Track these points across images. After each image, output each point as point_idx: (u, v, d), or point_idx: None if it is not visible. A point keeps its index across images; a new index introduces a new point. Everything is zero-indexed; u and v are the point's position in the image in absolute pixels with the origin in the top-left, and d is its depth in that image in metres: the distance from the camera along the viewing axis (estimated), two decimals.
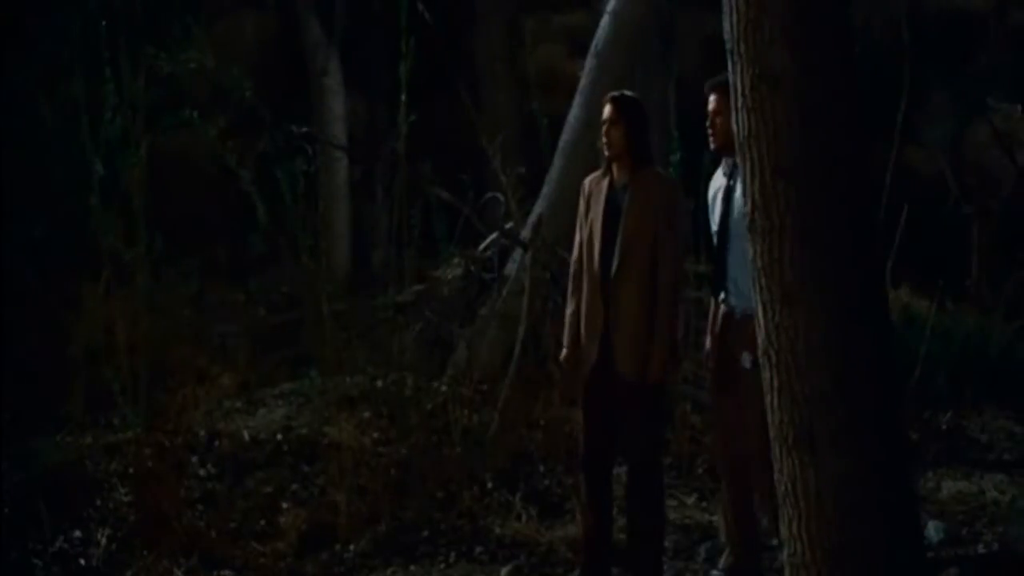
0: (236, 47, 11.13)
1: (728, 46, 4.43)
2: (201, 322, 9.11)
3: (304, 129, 7.54)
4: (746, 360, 5.80)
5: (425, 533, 7.17)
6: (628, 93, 6.36)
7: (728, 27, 4.42)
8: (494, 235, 8.76)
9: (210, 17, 11.11)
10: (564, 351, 6.38)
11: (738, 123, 4.41)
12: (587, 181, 6.35)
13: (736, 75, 4.40)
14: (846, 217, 4.33)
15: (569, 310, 6.34)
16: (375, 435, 8.02)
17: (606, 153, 6.19)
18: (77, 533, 7.29)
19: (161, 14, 9.61)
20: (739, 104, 4.40)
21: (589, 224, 6.21)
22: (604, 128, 6.16)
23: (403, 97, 7.83)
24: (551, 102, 12.60)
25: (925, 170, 10.59)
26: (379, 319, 9.13)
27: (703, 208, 6.50)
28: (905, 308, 8.67)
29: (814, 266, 4.32)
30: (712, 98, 6.06)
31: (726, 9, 4.42)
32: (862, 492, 4.32)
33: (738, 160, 4.46)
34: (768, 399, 4.46)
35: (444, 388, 8.41)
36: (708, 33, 11.70)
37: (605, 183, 6.20)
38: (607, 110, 6.19)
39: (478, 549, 7.00)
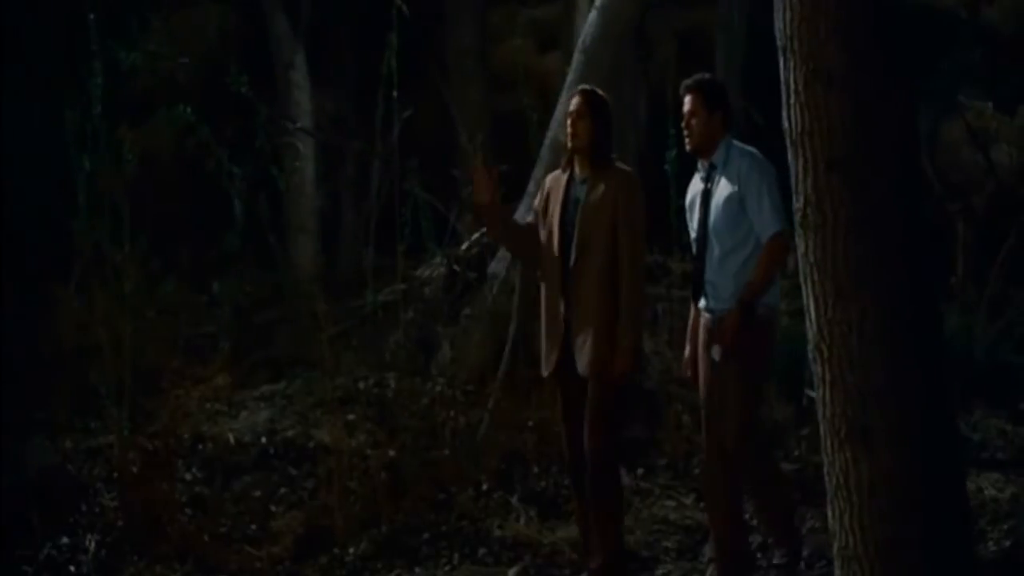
0: (197, 40, 11.14)
1: (780, 43, 4.59)
2: (177, 324, 9.12)
3: (299, 125, 7.55)
4: (716, 352, 5.94)
5: (426, 535, 7.27)
6: (598, 89, 6.44)
7: (780, 25, 4.57)
8: (479, 233, 8.88)
9: (169, 9, 11.12)
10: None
11: (790, 119, 4.58)
12: (548, 178, 6.45)
13: (789, 72, 4.57)
14: (898, 211, 4.51)
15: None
16: (362, 437, 8.10)
17: (569, 145, 6.26)
18: (65, 539, 7.31)
19: (117, 5, 9.59)
20: (791, 100, 4.57)
21: (548, 220, 6.28)
22: (570, 120, 6.22)
23: (393, 92, 7.90)
24: (521, 98, 12.79)
25: None
26: (360, 319, 9.20)
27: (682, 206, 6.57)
28: None
29: (867, 260, 4.49)
30: (688, 99, 6.12)
31: (778, 7, 4.58)
32: (915, 485, 4.49)
33: (789, 155, 4.62)
34: (819, 393, 4.63)
35: (429, 389, 8.51)
36: (679, 28, 11.99)
37: (565, 178, 6.29)
38: (575, 102, 6.27)
39: (481, 551, 7.12)
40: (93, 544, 7.25)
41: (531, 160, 9.10)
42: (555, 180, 6.36)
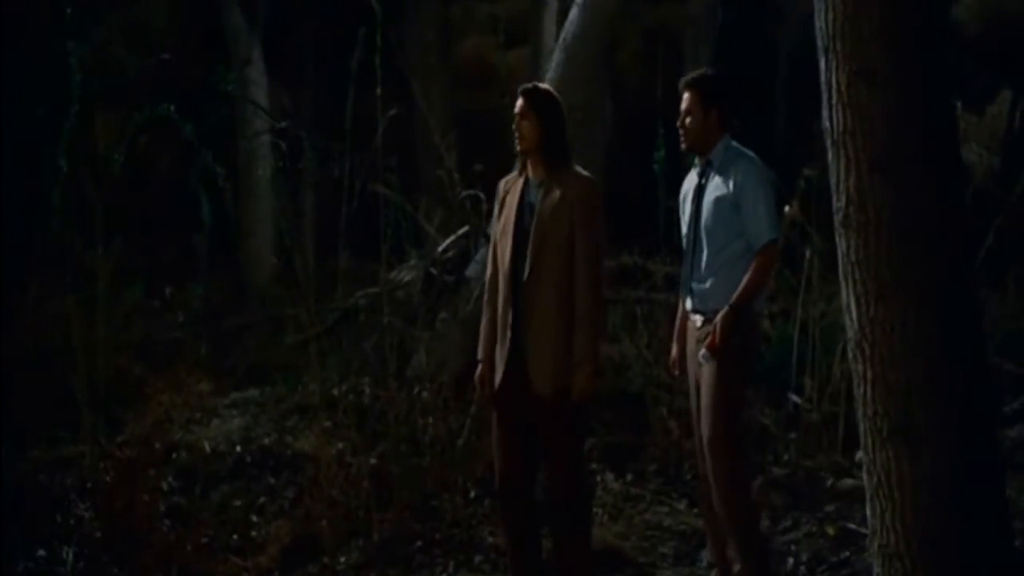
0: (149, 34, 11.17)
1: (822, 43, 4.80)
2: (147, 328, 9.17)
3: (284, 123, 7.64)
4: (704, 356, 6.07)
5: (419, 543, 7.40)
6: (541, 85, 6.39)
7: (822, 25, 4.78)
8: (460, 232, 9.03)
9: (121, 2, 11.15)
10: (479, 368, 6.29)
11: (832, 119, 4.79)
12: (503, 181, 6.33)
13: (830, 72, 4.78)
14: (940, 211, 4.74)
15: (484, 319, 6.29)
16: (340, 445, 8.20)
17: (517, 148, 6.15)
18: (42, 552, 7.35)
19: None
20: (833, 100, 4.78)
21: (502, 226, 6.18)
22: (515, 122, 6.12)
23: (378, 90, 8.02)
24: (484, 96, 12.97)
25: None
26: (331, 324, 9.30)
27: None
28: None
29: (910, 259, 4.72)
30: (685, 96, 6.18)
31: (819, 7, 4.79)
32: (957, 482, 4.72)
33: (830, 155, 4.83)
34: (860, 391, 4.85)
35: (406, 395, 8.63)
36: (645, 25, 12.22)
37: (520, 182, 6.18)
38: (518, 103, 6.13)
39: (478, 558, 7.27)
40: (71, 556, 7.29)
41: (497, 159, 9.26)
42: (510, 183, 6.26)
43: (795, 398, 8.52)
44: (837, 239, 4.88)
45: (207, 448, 8.29)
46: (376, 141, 7.87)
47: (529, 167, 6.17)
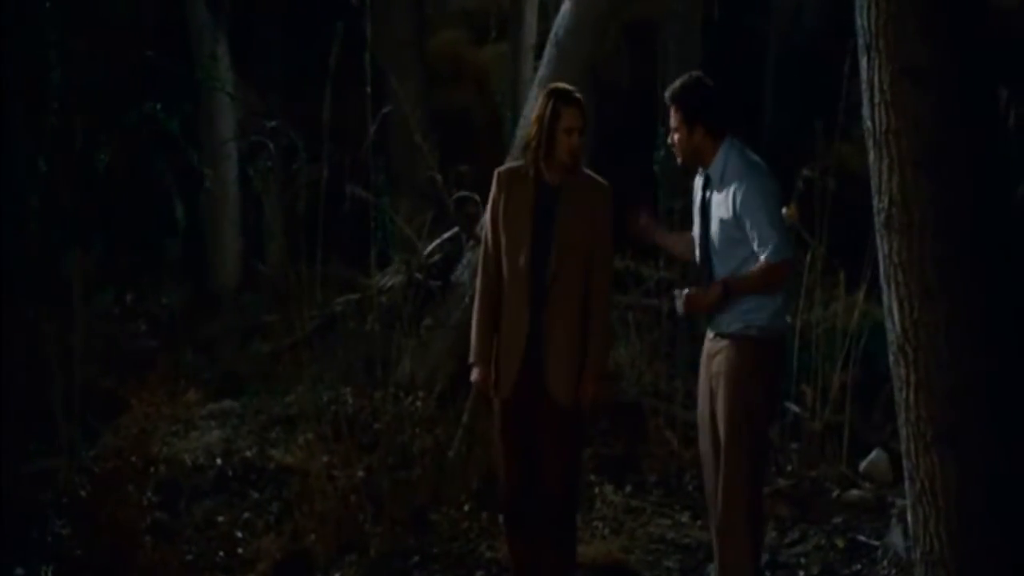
0: (110, 29, 11.18)
1: (863, 42, 4.94)
2: (120, 336, 9.20)
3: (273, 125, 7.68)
4: (678, 301, 6.15)
5: (416, 559, 7.49)
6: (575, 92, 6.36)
7: (865, 22, 4.92)
8: (448, 235, 9.11)
9: None
10: (476, 369, 6.33)
11: (874, 118, 4.93)
12: (504, 174, 6.33)
13: (873, 70, 4.92)
14: (986, 211, 4.89)
15: (479, 321, 6.33)
16: (325, 458, 8.27)
17: (564, 161, 6.16)
18: (20, 571, 7.35)
19: None
20: (875, 99, 4.92)
21: (511, 226, 6.20)
22: (572, 134, 6.14)
23: (368, 89, 8.10)
24: (458, 92, 13.09)
25: (856, 166, 11.24)
26: (309, 332, 9.32)
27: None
28: (865, 315, 9.21)
29: (955, 260, 4.86)
30: (671, 111, 6.18)
31: (861, 4, 4.92)
32: (1004, 490, 4.87)
33: (871, 155, 4.97)
34: (902, 396, 4.99)
35: (391, 405, 8.69)
36: (626, 18, 12.33)
37: (531, 182, 6.21)
38: (575, 115, 6.16)
39: (479, 573, 7.36)
40: (50, 574, 7.31)
41: (476, 158, 9.38)
42: (516, 180, 6.27)
43: (794, 408, 8.65)
44: (879, 241, 5.02)
45: (188, 462, 8.30)
46: (367, 141, 7.92)
47: (546, 169, 6.21)
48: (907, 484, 5.04)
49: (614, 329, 9.00)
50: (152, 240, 9.62)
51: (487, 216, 6.40)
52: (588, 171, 6.33)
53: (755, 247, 6.02)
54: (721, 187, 6.12)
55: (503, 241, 6.24)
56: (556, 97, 6.21)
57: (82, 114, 7.93)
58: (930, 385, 4.91)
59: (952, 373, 4.88)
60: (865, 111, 4.97)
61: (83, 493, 7.76)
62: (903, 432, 5.03)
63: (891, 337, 5.00)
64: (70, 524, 7.68)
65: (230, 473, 8.36)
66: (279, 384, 9.07)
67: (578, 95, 6.27)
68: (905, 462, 5.04)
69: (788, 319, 6.35)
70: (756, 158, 6.24)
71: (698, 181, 6.36)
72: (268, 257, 10.82)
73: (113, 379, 9.20)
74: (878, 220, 5.00)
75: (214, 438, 8.66)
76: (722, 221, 6.10)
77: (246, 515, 8.02)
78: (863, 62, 4.96)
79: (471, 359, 6.40)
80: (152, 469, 8.27)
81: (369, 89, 8.09)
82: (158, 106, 7.44)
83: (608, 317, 6.33)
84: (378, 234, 8.21)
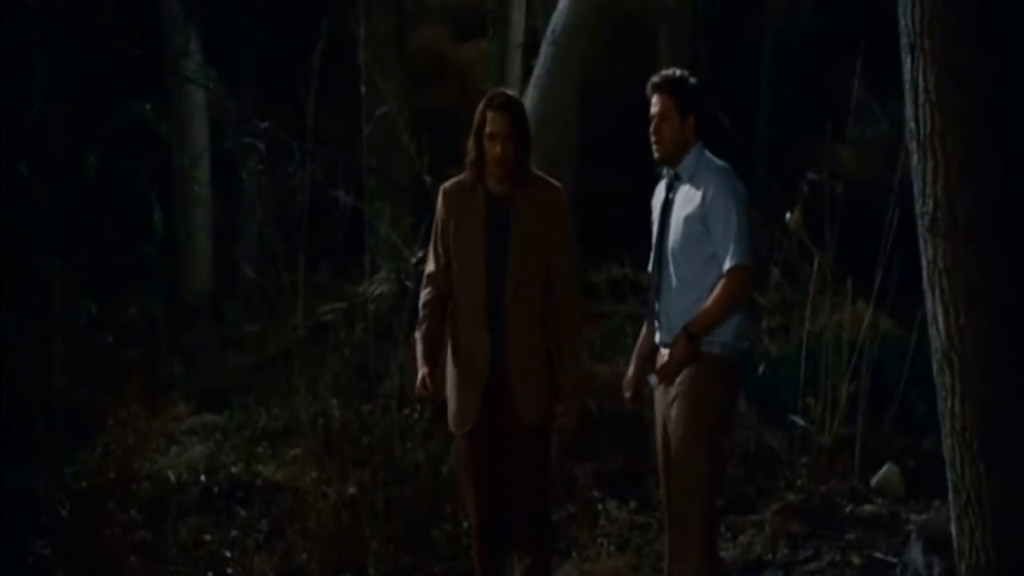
0: (77, 25, 11.14)
1: (907, 40, 5.04)
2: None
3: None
4: (652, 380, 6.12)
5: None
6: (512, 94, 6.28)
7: (908, 22, 5.02)
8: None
9: None
10: (422, 373, 6.12)
11: (918, 119, 5.04)
12: (449, 189, 6.17)
13: (917, 71, 5.02)
14: None
15: (423, 340, 6.17)
16: (315, 473, 8.30)
17: (497, 171, 5.99)
18: None
19: None
20: (920, 100, 5.02)
21: (462, 247, 6.07)
22: (498, 142, 5.95)
23: (362, 88, 8.16)
24: (440, 91, 13.14)
25: (858, 173, 11.37)
26: (291, 343, 9.33)
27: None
28: (872, 327, 9.28)
29: (1001, 264, 4.97)
30: (655, 99, 5.98)
31: (904, 3, 5.03)
32: None
33: (916, 158, 5.09)
34: (946, 405, 5.09)
35: (379, 418, 8.73)
36: (614, 14, 12.41)
37: (478, 194, 6.06)
38: (499, 120, 5.95)
39: None
40: None
41: (461, 159, 9.42)
42: (461, 196, 6.11)
43: (799, 421, 8.73)
44: (922, 245, 5.12)
45: (172, 478, 8.32)
46: (363, 142, 7.97)
47: (489, 180, 6.04)
48: (951, 495, 5.13)
49: (614, 339, 9.10)
50: (129, 246, 9.57)
51: (433, 235, 6.21)
52: (538, 173, 6.14)
53: (717, 250, 5.87)
54: (690, 184, 5.96)
55: (454, 264, 6.09)
56: (485, 102, 6.06)
57: (63, 115, 7.94)
58: (976, 393, 5.00)
59: (998, 381, 4.98)
60: (908, 112, 5.07)
61: (64, 512, 7.77)
62: (946, 442, 5.12)
63: (935, 344, 5.10)
64: (51, 544, 7.69)
65: (216, 490, 8.39)
66: (263, 397, 9.06)
67: (512, 100, 6.13)
68: (949, 473, 5.13)
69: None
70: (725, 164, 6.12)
71: (660, 186, 6.19)
72: (248, 263, 10.80)
73: (90, 392, 9.17)
74: (921, 224, 5.09)
75: (197, 453, 8.69)
76: (687, 218, 5.90)
77: (234, 533, 8.07)
78: (906, 62, 5.06)
79: (419, 365, 6.18)
80: (135, 486, 8.29)
81: (363, 88, 8.11)
82: (148, 106, 7.43)
83: (577, 331, 6.19)
84: (371, 240, 8.22)
